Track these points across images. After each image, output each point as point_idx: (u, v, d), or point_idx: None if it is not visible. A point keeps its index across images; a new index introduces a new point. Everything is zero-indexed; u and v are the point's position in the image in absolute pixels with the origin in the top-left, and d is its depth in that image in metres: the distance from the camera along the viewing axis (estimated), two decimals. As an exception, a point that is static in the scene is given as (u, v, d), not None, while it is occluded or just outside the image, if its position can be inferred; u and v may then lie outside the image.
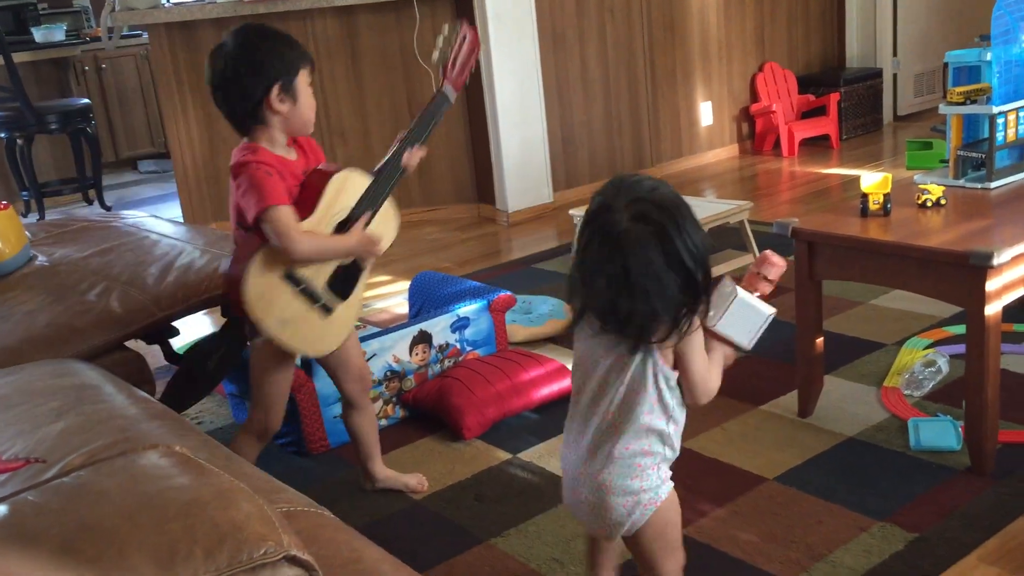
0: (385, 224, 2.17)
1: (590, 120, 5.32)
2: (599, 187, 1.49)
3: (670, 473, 1.60)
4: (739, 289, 1.59)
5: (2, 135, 5.85)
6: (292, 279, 2.06)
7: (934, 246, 2.19)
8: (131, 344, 2.44)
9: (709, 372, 1.56)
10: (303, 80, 2.05)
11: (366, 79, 4.98)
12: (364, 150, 5.01)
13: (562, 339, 3.29)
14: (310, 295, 2.09)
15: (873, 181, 2.41)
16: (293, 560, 1.04)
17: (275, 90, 2.00)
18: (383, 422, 2.75)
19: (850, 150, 5.84)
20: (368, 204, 2.11)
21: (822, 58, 6.41)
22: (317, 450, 2.67)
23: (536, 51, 4.93)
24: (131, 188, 6.99)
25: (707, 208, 3.89)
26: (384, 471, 2.43)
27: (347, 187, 2.11)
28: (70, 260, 2.77)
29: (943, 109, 2.56)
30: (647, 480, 1.54)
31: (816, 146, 5.93)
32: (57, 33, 6.70)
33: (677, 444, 1.60)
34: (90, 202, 6.31)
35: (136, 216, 3.30)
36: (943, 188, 2.46)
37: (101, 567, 0.97)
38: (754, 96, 6.02)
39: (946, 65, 2.68)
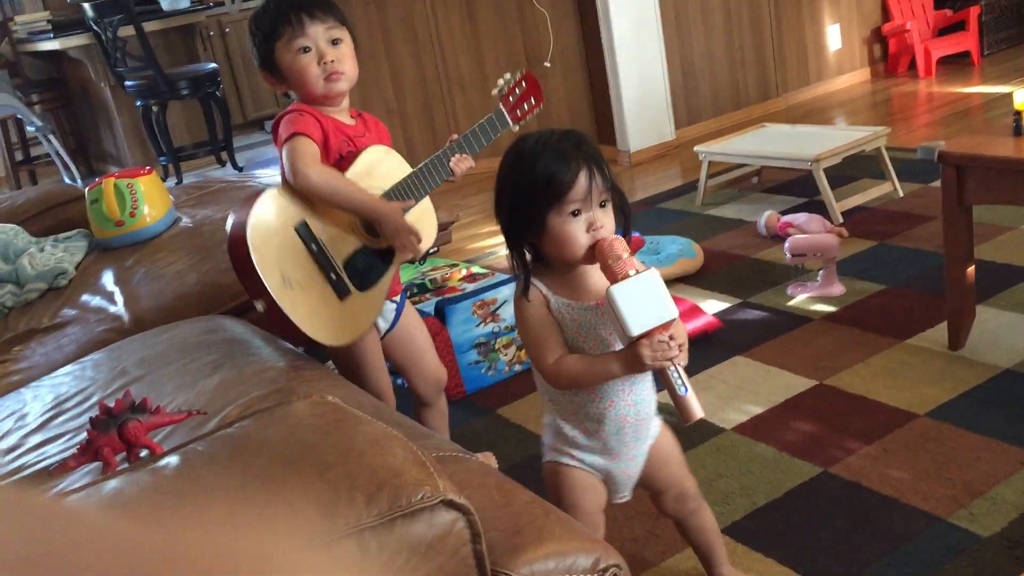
0: (422, 225, 1.90)
1: (711, 52, 5.16)
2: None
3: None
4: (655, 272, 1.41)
5: (138, 103, 6.10)
6: (304, 233, 1.79)
7: (1099, 163, 2.04)
8: (273, 299, 2.53)
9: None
10: (284, 52, 1.82)
11: (481, 27, 4.95)
12: (483, 99, 5.00)
13: (693, 278, 3.23)
14: (323, 262, 1.80)
15: (1028, 97, 2.25)
16: (450, 504, 1.06)
17: (266, 76, 1.89)
18: (517, 367, 2.77)
19: (993, 66, 5.49)
20: (406, 193, 1.88)
21: (959, -31, 6.01)
22: (454, 397, 2.71)
23: (653, -16, 4.79)
24: (259, 148, 7.19)
25: (840, 136, 3.73)
26: None
27: (381, 167, 1.88)
28: (212, 220, 2.87)
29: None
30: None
31: (955, 64, 5.60)
32: (182, 0, 6.91)
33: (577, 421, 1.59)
34: (223, 164, 6.54)
35: (268, 175, 3.39)
36: (1107, 100, 2.29)
37: (271, 513, 1.01)
38: (886, 15, 5.71)
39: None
